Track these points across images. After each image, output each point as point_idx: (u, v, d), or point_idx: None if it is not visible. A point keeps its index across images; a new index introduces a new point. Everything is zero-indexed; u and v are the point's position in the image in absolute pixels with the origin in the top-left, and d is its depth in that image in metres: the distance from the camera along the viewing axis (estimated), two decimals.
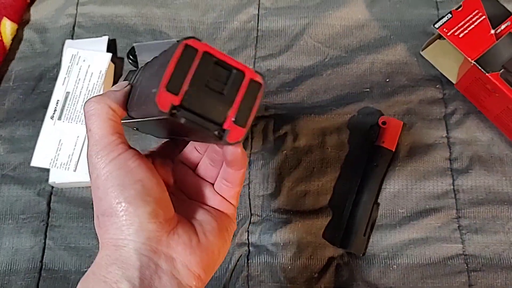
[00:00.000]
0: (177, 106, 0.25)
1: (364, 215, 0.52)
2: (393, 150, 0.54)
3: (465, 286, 0.50)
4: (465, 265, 0.51)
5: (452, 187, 0.54)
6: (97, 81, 0.56)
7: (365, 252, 0.52)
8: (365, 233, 0.52)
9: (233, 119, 0.27)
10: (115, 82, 0.59)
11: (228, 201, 0.36)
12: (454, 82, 0.58)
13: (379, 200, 0.54)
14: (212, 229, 0.33)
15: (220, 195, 0.36)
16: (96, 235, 0.51)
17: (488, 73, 0.52)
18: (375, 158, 0.54)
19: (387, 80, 0.59)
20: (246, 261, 0.52)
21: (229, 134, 0.27)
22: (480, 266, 0.51)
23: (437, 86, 0.58)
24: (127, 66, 0.60)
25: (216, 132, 0.27)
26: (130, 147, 0.31)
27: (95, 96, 0.32)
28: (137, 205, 0.28)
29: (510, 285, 0.50)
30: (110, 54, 0.57)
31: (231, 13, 0.62)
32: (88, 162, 0.30)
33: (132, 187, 0.29)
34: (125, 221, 0.28)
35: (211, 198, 0.35)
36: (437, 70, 0.59)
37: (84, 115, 0.31)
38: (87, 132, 0.31)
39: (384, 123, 0.55)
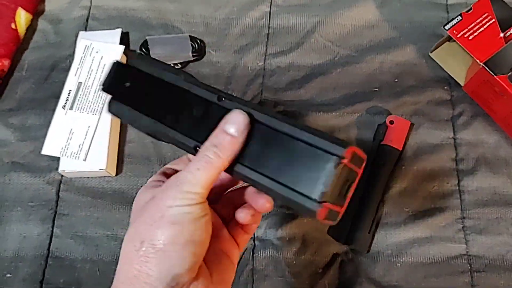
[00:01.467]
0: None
1: (370, 213, 0.52)
2: (400, 150, 0.54)
3: (468, 286, 0.50)
4: (469, 265, 0.51)
5: (457, 187, 0.54)
6: None
7: (369, 249, 0.52)
8: (370, 230, 0.52)
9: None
10: None
11: (237, 245, 0.36)
12: (462, 84, 0.58)
13: (384, 198, 0.54)
14: (220, 272, 0.33)
15: (234, 239, 0.35)
16: (103, 224, 0.52)
17: (496, 75, 0.52)
18: (382, 157, 0.54)
19: (396, 80, 0.59)
20: (251, 254, 0.52)
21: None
22: (483, 267, 0.51)
23: (445, 87, 0.58)
24: None
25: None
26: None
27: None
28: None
29: None
30: (123, 46, 0.57)
31: (243, 10, 0.62)
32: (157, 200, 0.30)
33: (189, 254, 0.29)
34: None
35: (225, 239, 0.35)
36: (446, 72, 0.59)
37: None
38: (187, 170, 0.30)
39: (391, 122, 0.55)
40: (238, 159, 0.30)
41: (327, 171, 0.27)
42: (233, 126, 0.29)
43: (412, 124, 0.56)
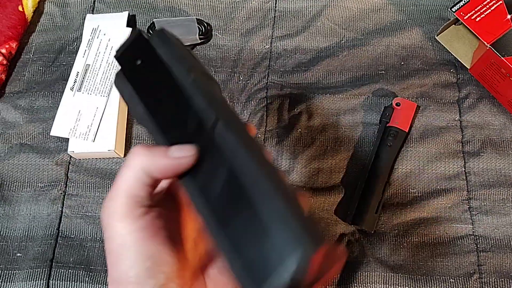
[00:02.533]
0: None
1: (377, 194, 0.52)
2: (406, 131, 0.55)
3: (474, 266, 0.50)
4: (475, 245, 0.51)
5: (463, 169, 0.54)
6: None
7: (375, 230, 0.52)
8: (377, 210, 0.52)
9: None
10: None
11: None
12: (468, 67, 0.58)
13: (391, 180, 0.54)
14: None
15: None
16: None
17: (503, 57, 0.52)
18: (388, 139, 0.54)
19: (402, 63, 0.59)
20: None
21: None
22: (489, 247, 0.51)
23: (451, 70, 0.58)
24: None
25: None
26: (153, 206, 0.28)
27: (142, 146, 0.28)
28: (147, 281, 0.27)
29: None
30: (130, 29, 0.57)
31: None
32: (103, 218, 0.28)
33: (147, 261, 0.27)
34: None
35: None
36: (452, 54, 0.59)
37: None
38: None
39: (398, 104, 0.55)
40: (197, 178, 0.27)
41: (287, 267, 0.23)
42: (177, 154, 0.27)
43: (418, 106, 0.56)
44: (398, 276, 0.50)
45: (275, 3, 0.62)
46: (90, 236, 0.52)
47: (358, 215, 0.52)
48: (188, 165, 0.27)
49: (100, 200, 0.53)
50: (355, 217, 0.52)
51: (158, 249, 0.28)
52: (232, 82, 0.58)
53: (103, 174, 0.54)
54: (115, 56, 0.32)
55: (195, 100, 0.28)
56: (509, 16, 0.55)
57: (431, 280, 0.50)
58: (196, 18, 0.58)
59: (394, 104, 0.55)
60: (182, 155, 0.27)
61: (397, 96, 0.57)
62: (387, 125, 0.55)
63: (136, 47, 0.31)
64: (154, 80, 0.30)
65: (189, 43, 0.58)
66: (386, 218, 0.53)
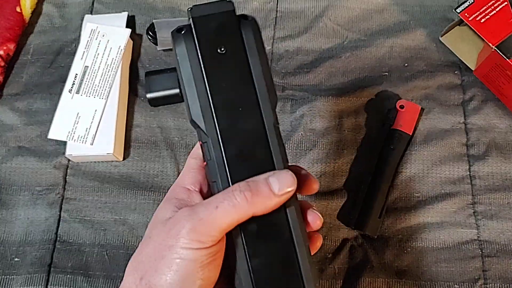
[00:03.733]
0: None
1: (380, 198, 0.51)
2: (410, 134, 0.54)
3: (479, 271, 0.50)
4: (480, 250, 0.50)
5: (468, 173, 0.53)
6: (116, 57, 0.55)
7: (379, 234, 0.51)
8: (380, 215, 0.51)
9: None
10: (133, 58, 0.58)
11: None
12: (473, 68, 0.57)
13: (394, 183, 0.53)
14: None
15: None
16: (111, 209, 0.51)
17: (509, 58, 0.51)
18: (392, 142, 0.53)
19: (406, 64, 0.58)
20: None
21: None
22: (494, 252, 0.50)
23: (456, 72, 0.58)
24: (146, 42, 0.59)
25: None
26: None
27: None
28: None
29: None
30: (129, 30, 0.56)
31: None
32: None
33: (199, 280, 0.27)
34: None
35: None
36: (456, 56, 0.58)
37: None
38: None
39: (402, 106, 0.54)
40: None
41: None
42: (279, 185, 0.27)
43: (422, 109, 0.55)
44: (402, 281, 0.49)
45: (277, 4, 0.61)
46: (88, 241, 0.51)
47: (361, 220, 0.51)
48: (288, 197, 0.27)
49: (99, 204, 0.52)
50: (358, 222, 0.51)
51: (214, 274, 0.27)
52: None
53: (101, 177, 0.53)
54: (189, 10, 0.28)
55: (270, 141, 0.28)
56: None
57: (435, 286, 0.49)
58: None
59: (398, 107, 0.54)
60: (288, 190, 0.27)
61: (401, 99, 0.56)
62: (391, 127, 0.54)
63: (222, 20, 0.28)
64: (230, 68, 0.28)
65: None
66: (390, 223, 0.52)
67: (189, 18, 0.28)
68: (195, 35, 0.28)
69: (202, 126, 0.28)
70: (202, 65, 0.28)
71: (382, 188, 0.52)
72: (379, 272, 0.50)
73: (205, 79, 0.28)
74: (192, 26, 0.28)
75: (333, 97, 0.56)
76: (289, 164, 0.30)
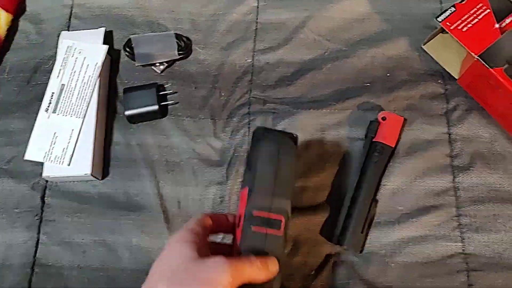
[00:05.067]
0: None
1: (362, 212, 0.51)
2: (393, 146, 0.53)
3: (464, 286, 0.49)
4: (465, 264, 0.50)
5: (452, 184, 0.53)
6: (93, 74, 0.54)
7: (362, 250, 0.51)
8: (363, 230, 0.50)
9: None
10: (111, 74, 0.57)
11: None
12: (456, 77, 0.56)
13: (377, 197, 0.52)
14: None
15: None
16: (91, 230, 0.51)
17: (491, 68, 0.50)
18: (374, 154, 0.52)
19: (388, 74, 0.57)
20: None
21: None
22: (480, 265, 0.50)
23: (439, 81, 0.57)
24: (124, 58, 0.58)
25: None
26: None
27: None
28: None
29: (510, 285, 0.49)
30: (106, 46, 0.56)
31: (231, 5, 0.61)
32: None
33: None
34: None
35: None
36: (439, 65, 0.57)
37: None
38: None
39: (384, 118, 0.53)
40: None
41: None
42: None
43: (405, 120, 0.55)
44: None
45: (257, 15, 0.60)
46: (68, 264, 0.50)
47: (343, 235, 0.50)
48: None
49: (78, 225, 0.52)
50: (341, 237, 0.50)
51: None
52: (213, 98, 0.57)
53: (80, 198, 0.53)
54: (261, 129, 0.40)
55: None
56: (497, 25, 0.53)
57: None
58: (175, 33, 0.57)
59: (379, 118, 0.53)
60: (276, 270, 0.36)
61: (383, 110, 0.55)
62: (373, 140, 0.53)
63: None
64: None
65: (168, 59, 0.57)
66: (373, 237, 0.51)
67: None
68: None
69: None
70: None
71: (364, 202, 0.51)
72: None
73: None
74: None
75: (314, 110, 0.56)
76: None
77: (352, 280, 0.50)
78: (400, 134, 0.54)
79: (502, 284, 0.49)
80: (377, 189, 0.52)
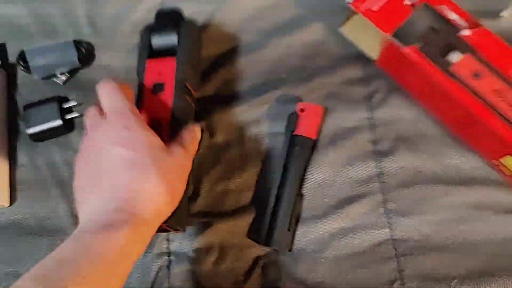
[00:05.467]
0: None
1: (287, 209, 0.49)
2: (315, 138, 0.51)
3: (395, 272, 0.48)
4: (394, 250, 0.49)
5: (376, 170, 0.52)
6: None
7: (291, 248, 0.49)
8: (290, 227, 0.49)
9: None
10: (10, 91, 0.53)
11: None
12: (375, 59, 0.55)
13: (303, 191, 0.51)
14: None
15: None
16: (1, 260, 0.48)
17: (405, 47, 0.49)
18: (295, 149, 0.51)
19: (305, 63, 0.55)
20: (167, 271, 0.48)
21: None
22: (409, 249, 0.49)
23: (357, 65, 0.55)
24: (20, 72, 0.54)
25: None
26: None
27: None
28: None
29: (440, 266, 0.48)
30: None
31: (133, 3, 0.57)
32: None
33: None
34: None
35: None
36: (357, 47, 0.56)
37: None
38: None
39: (302, 110, 0.52)
40: None
41: None
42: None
43: (325, 109, 0.53)
44: None
45: None
46: None
47: (271, 235, 0.49)
48: None
49: None
50: (268, 237, 0.49)
51: None
52: None
53: None
54: None
55: None
56: (408, 2, 0.51)
57: None
58: (74, 40, 0.53)
59: (298, 111, 0.52)
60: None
61: (302, 101, 0.53)
62: (293, 134, 0.51)
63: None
64: None
65: (69, 69, 0.53)
66: (301, 234, 0.50)
67: None
68: None
69: None
70: None
71: (288, 198, 0.50)
72: None
73: None
74: None
75: (231, 108, 0.53)
76: None
77: (283, 281, 0.48)
78: (321, 124, 0.52)
79: (431, 266, 0.48)
80: (301, 183, 0.51)
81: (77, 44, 0.53)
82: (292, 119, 0.52)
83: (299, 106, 0.52)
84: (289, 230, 0.49)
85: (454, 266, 0.48)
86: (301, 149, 0.51)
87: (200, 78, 0.50)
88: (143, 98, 0.45)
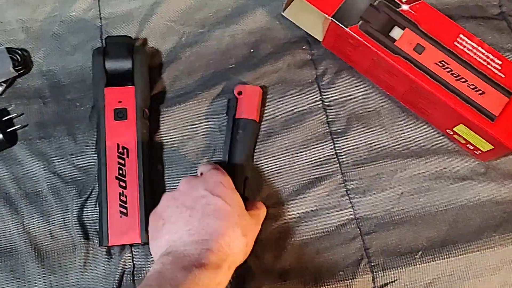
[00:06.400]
0: None
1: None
2: (257, 120, 0.51)
3: (361, 251, 0.49)
4: (358, 229, 0.50)
5: (334, 151, 0.52)
6: None
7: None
8: None
9: None
10: None
11: None
12: (320, 40, 0.55)
13: (262, 180, 0.51)
14: None
15: None
16: None
17: (347, 27, 0.49)
18: (238, 132, 0.51)
19: (252, 50, 0.55)
20: (132, 277, 0.47)
21: None
22: (372, 227, 0.50)
23: (304, 47, 0.56)
24: None
25: None
26: None
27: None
28: None
29: (404, 240, 0.50)
30: None
31: (66, 3, 0.55)
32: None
33: None
34: None
35: None
36: (302, 30, 0.56)
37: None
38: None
39: (240, 93, 0.51)
40: None
41: None
42: None
43: (262, 88, 0.53)
44: (287, 283, 0.48)
45: (99, 10, 0.55)
46: None
47: None
48: None
49: None
50: None
51: None
52: (70, 112, 0.52)
53: None
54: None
55: None
56: None
57: (320, 278, 0.48)
58: (7, 47, 0.50)
59: (236, 94, 0.51)
60: None
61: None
62: (235, 117, 0.51)
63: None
64: None
65: (5, 78, 0.51)
66: (264, 223, 0.49)
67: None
68: None
69: None
70: None
71: (238, 181, 0.49)
72: (262, 279, 0.48)
73: None
74: None
75: (181, 104, 0.53)
76: None
77: (249, 272, 0.48)
78: (260, 105, 0.52)
79: (396, 240, 0.50)
80: (248, 166, 0.51)
81: (11, 51, 0.50)
82: (232, 103, 0.51)
83: (237, 89, 0.52)
84: None
85: (418, 238, 0.50)
86: (243, 132, 0.51)
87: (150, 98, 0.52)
88: (106, 124, 0.48)
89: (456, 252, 0.49)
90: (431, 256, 0.49)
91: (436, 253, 0.49)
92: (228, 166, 0.49)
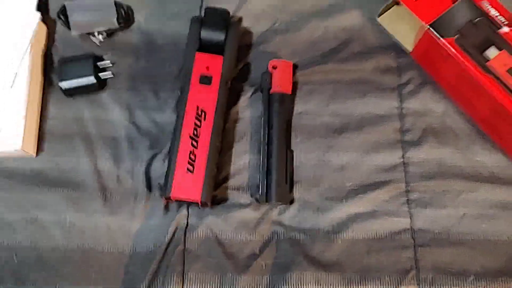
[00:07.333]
0: None
1: (280, 164, 0.51)
2: (290, 93, 0.53)
3: (411, 261, 0.49)
4: (412, 240, 0.50)
5: (402, 159, 0.53)
6: (23, 43, 0.52)
7: (292, 201, 0.51)
8: (286, 180, 0.51)
9: None
10: (48, 44, 0.55)
11: None
12: (409, 51, 0.56)
13: (324, 173, 0.52)
14: None
15: None
16: (21, 207, 0.49)
17: (442, 38, 0.50)
18: (275, 105, 0.52)
19: (341, 46, 0.56)
20: (183, 234, 0.49)
21: None
22: (427, 241, 0.50)
23: (392, 54, 0.57)
24: (60, 27, 0.56)
25: None
26: None
27: None
28: None
29: (457, 260, 0.49)
30: (39, 14, 0.53)
31: None
32: None
33: None
34: None
35: None
36: (393, 38, 0.57)
37: None
38: None
39: (274, 67, 0.54)
40: None
41: None
42: None
43: (295, 65, 0.55)
44: (331, 275, 0.48)
45: None
46: None
47: (269, 191, 0.50)
48: None
49: (8, 202, 0.50)
50: (267, 194, 0.50)
51: None
52: (158, 71, 0.55)
53: (10, 173, 0.52)
54: None
55: None
56: None
57: (365, 278, 0.49)
58: (115, 1, 0.55)
59: (270, 68, 0.54)
60: None
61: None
62: (270, 92, 0.53)
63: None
64: None
65: (106, 28, 0.55)
66: (320, 214, 0.51)
67: None
68: None
69: None
70: None
71: (278, 154, 0.51)
72: (307, 266, 0.49)
73: None
74: None
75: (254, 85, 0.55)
76: None
77: (296, 258, 0.49)
78: (294, 78, 0.55)
79: (449, 259, 0.49)
80: (288, 138, 0.53)
81: (117, 5, 0.55)
82: (266, 77, 0.54)
83: (271, 63, 0.54)
84: (286, 183, 0.50)
85: (472, 262, 0.49)
86: (280, 106, 0.53)
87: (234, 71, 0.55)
88: (191, 85, 0.51)
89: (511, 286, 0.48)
90: (484, 282, 0.48)
91: (490, 282, 0.48)
92: (268, 142, 0.51)
